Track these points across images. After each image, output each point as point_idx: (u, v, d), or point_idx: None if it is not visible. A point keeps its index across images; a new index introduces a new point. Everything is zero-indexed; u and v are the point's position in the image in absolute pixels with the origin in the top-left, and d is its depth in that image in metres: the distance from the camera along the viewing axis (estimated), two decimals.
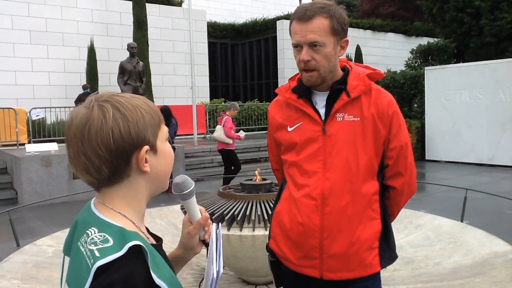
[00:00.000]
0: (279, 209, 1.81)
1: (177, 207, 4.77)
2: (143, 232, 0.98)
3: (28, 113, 11.47)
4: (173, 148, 8.69)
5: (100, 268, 0.81)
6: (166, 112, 8.62)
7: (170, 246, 4.17)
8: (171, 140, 8.55)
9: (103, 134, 0.90)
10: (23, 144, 10.08)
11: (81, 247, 0.87)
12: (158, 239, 1.06)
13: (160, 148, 1.00)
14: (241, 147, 11.81)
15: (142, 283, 0.84)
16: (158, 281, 0.88)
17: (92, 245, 0.85)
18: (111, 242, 0.86)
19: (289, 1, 31.29)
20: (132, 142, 0.93)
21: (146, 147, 0.95)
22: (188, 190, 1.11)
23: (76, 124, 0.92)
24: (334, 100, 1.69)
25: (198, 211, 1.15)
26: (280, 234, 1.80)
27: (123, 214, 0.95)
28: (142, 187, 0.99)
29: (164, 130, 1.02)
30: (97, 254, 0.83)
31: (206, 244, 1.15)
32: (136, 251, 0.86)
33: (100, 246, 0.85)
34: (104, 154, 0.91)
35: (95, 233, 0.88)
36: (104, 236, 0.87)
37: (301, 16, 1.63)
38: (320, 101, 1.73)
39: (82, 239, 0.88)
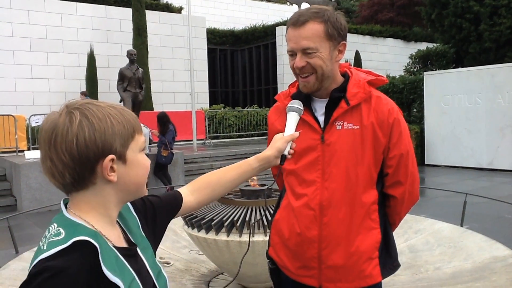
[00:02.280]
0: (278, 217, 1.80)
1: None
2: (105, 236, 0.97)
3: (28, 120, 11.49)
4: (171, 153, 8.69)
5: (43, 259, 0.85)
6: (164, 118, 8.68)
7: (169, 252, 4.16)
8: (169, 146, 8.55)
9: (67, 141, 0.91)
10: (23, 151, 10.06)
11: (40, 242, 0.91)
12: (132, 245, 1.06)
13: (130, 159, 0.99)
14: (241, 153, 11.81)
15: (81, 275, 0.85)
16: (113, 278, 0.89)
17: (48, 239, 0.89)
18: (62, 235, 0.89)
19: (288, 8, 31.42)
20: (96, 150, 0.93)
21: (111, 156, 0.94)
22: (299, 107, 1.58)
23: (45, 128, 0.94)
24: (334, 108, 1.65)
25: (295, 127, 1.54)
26: (279, 243, 1.78)
27: (86, 220, 0.96)
28: (110, 195, 0.99)
29: (140, 141, 1.01)
30: (44, 247, 0.87)
31: (283, 159, 1.48)
32: (82, 245, 0.88)
33: (52, 239, 0.88)
34: (67, 160, 0.92)
35: (54, 228, 0.92)
36: (59, 230, 0.90)
37: (295, 21, 1.59)
38: (320, 108, 1.69)
39: (45, 234, 0.92)
